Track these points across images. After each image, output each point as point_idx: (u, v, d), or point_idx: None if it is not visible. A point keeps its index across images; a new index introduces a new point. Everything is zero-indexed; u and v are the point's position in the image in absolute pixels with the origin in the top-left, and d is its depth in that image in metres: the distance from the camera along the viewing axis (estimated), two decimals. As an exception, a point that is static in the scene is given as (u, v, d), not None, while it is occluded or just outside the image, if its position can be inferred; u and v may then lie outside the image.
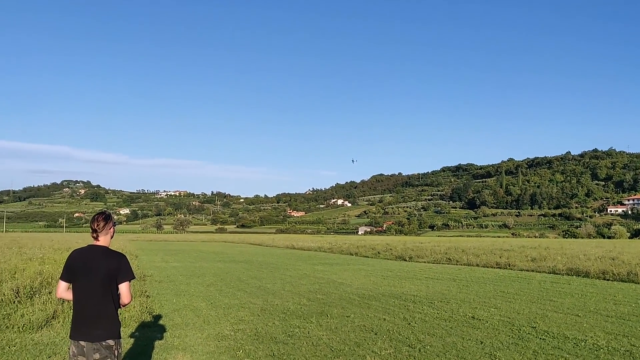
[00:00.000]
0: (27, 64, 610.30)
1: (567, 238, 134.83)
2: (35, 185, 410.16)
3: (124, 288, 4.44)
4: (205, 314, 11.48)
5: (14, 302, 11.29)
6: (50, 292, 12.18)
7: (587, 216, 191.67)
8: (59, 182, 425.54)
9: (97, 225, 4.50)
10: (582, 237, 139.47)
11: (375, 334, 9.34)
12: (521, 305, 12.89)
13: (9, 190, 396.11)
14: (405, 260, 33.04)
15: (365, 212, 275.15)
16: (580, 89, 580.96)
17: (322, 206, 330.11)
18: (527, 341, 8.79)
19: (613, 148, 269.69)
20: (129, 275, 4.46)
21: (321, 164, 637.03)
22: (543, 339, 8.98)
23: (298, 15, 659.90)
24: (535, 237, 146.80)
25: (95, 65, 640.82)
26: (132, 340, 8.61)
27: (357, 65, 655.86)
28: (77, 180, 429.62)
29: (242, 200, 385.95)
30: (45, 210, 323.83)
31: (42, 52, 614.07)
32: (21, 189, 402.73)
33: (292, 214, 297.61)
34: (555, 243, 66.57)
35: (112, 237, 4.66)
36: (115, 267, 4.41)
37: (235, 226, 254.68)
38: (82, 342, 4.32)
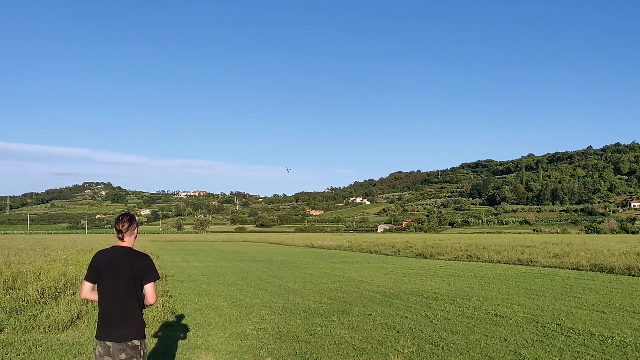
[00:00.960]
0: (47, 68, 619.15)
1: (589, 234, 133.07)
2: (58, 188, 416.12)
3: (149, 288, 4.47)
4: (227, 313, 11.53)
5: (39, 303, 11.45)
6: (74, 293, 12.33)
7: (610, 211, 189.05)
8: (80, 184, 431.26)
9: (122, 226, 4.54)
10: (605, 233, 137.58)
11: (398, 332, 9.29)
12: (545, 302, 12.74)
13: (32, 192, 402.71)
14: (426, 257, 32.87)
15: (384, 210, 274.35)
16: (601, 82, 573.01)
17: (340, 204, 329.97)
18: (552, 338, 8.67)
19: (636, 142, 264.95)
20: (154, 276, 4.49)
21: (339, 162, 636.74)
22: (568, 336, 8.86)
23: (314, 14, 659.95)
24: (557, 233, 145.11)
25: (114, 69, 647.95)
26: (155, 340, 8.68)
27: (374, 63, 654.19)
28: (98, 182, 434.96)
29: (261, 199, 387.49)
30: (67, 212, 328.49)
31: (62, 56, 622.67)
32: (44, 191, 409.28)
33: (311, 212, 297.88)
34: (577, 239, 65.70)
35: (135, 238, 4.70)
36: (140, 267, 4.43)
37: (254, 225, 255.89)
38: (108, 342, 4.35)
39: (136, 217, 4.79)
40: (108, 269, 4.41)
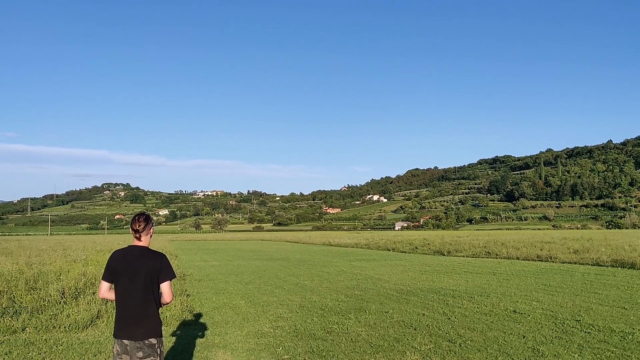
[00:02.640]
0: (66, 71, 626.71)
1: (610, 229, 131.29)
2: (77, 189, 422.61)
3: (165, 287, 4.51)
4: (245, 311, 11.58)
5: (60, 302, 11.60)
6: (94, 293, 12.48)
7: (631, 206, 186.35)
8: (99, 185, 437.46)
9: (139, 226, 4.59)
10: (626, 228, 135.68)
11: (415, 329, 9.27)
12: (564, 299, 12.60)
13: (53, 194, 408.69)
14: (444, 254, 32.70)
15: (401, 207, 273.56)
16: (620, 75, 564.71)
17: (357, 202, 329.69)
18: (572, 335, 8.58)
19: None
20: (170, 275, 4.53)
21: (356, 160, 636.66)
22: (588, 332, 8.76)
23: (329, 11, 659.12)
24: (577, 228, 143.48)
25: (131, 71, 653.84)
26: (173, 339, 8.75)
27: (390, 60, 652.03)
28: (116, 183, 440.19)
29: (277, 198, 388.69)
30: (87, 213, 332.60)
31: (80, 59, 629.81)
32: (64, 192, 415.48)
33: (328, 210, 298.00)
34: (598, 234, 64.86)
35: (151, 237, 4.75)
36: (157, 266, 4.48)
37: (271, 224, 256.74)
38: (125, 341, 4.41)
39: (153, 217, 4.84)
40: (124, 268, 4.46)
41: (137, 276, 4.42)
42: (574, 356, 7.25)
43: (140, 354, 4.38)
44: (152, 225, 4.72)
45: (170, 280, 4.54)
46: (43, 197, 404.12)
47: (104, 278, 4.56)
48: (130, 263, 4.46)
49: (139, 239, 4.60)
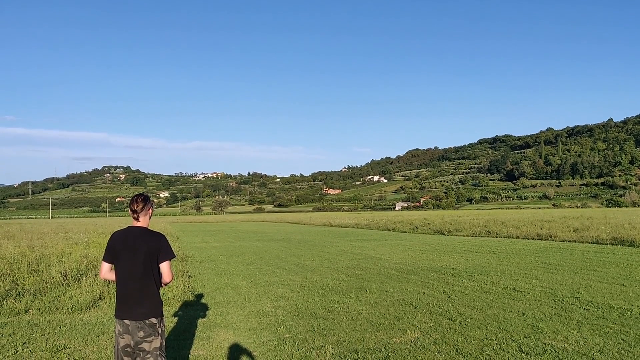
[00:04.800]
0: (63, 54, 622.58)
1: (610, 207, 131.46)
2: (78, 172, 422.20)
3: (164, 267, 4.53)
4: (246, 291, 11.66)
5: (62, 284, 11.67)
6: (96, 275, 12.53)
7: (631, 184, 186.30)
8: (100, 168, 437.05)
9: (137, 207, 4.60)
10: (626, 206, 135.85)
11: (415, 307, 9.33)
12: (564, 276, 12.67)
13: (53, 177, 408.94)
14: (444, 234, 32.81)
15: (401, 187, 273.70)
16: (620, 53, 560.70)
17: (358, 183, 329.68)
18: (571, 312, 8.64)
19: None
20: (169, 255, 4.54)
21: (356, 140, 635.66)
22: (587, 309, 8.82)
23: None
24: (577, 207, 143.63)
25: (129, 53, 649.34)
26: (175, 319, 8.82)
27: (390, 41, 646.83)
28: (117, 166, 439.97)
29: (278, 180, 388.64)
30: (88, 196, 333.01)
31: (78, 43, 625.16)
32: (64, 176, 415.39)
33: (328, 192, 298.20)
34: (598, 213, 64.99)
35: (150, 218, 4.75)
36: (156, 246, 4.49)
37: (272, 206, 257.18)
38: (126, 321, 4.44)
39: (152, 199, 4.85)
40: (124, 248, 4.49)
41: (137, 256, 4.44)
42: (572, 332, 7.31)
43: (141, 334, 4.41)
44: (151, 206, 4.72)
45: (170, 260, 4.55)
46: (44, 180, 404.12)
47: (105, 259, 4.58)
48: (130, 243, 4.48)
49: (137, 219, 4.61)
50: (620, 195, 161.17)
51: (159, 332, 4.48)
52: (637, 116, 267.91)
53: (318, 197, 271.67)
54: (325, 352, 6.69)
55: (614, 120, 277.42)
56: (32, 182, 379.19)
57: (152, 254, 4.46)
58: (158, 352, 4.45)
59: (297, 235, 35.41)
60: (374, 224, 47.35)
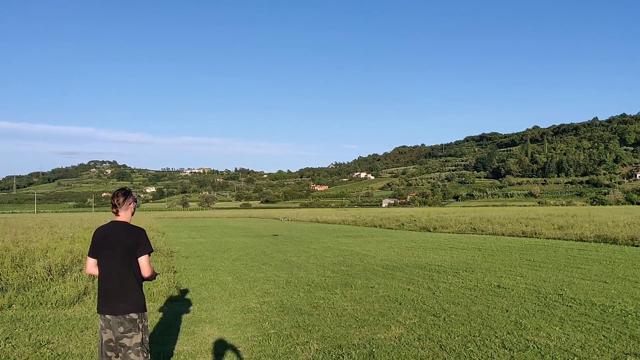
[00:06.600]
0: (49, 48, 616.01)
1: (595, 205, 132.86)
2: (64, 167, 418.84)
3: (142, 261, 4.50)
4: (232, 287, 11.64)
5: (47, 279, 11.59)
6: (81, 270, 12.47)
7: (615, 182, 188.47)
8: (86, 162, 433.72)
9: (117, 201, 4.58)
10: (610, 204, 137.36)
11: (400, 303, 9.38)
12: (547, 273, 12.80)
13: (39, 172, 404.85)
14: (430, 231, 32.97)
15: (388, 184, 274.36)
16: (606, 53, 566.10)
17: (345, 180, 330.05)
18: (554, 308, 8.74)
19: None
20: (147, 249, 4.51)
21: (343, 137, 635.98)
22: (570, 306, 8.92)
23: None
24: (563, 205, 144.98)
25: (116, 47, 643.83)
26: (160, 314, 8.79)
27: (377, 38, 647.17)
28: (103, 161, 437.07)
29: (265, 176, 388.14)
30: (73, 190, 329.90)
31: (64, 36, 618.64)
32: (50, 170, 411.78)
33: (316, 188, 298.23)
34: (582, 210, 65.64)
35: (133, 214, 4.73)
36: (134, 241, 4.47)
37: (259, 202, 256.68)
38: (108, 316, 4.43)
39: (139, 194, 4.83)
40: (105, 243, 4.48)
41: (116, 251, 4.43)
42: (555, 329, 7.40)
43: (121, 329, 4.39)
44: (133, 201, 4.70)
45: (148, 255, 4.53)
46: (29, 174, 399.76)
47: (89, 254, 4.58)
48: (110, 238, 4.48)
49: (116, 213, 4.60)
50: (605, 194, 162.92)
51: (140, 327, 4.46)
52: (621, 115, 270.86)
53: (305, 194, 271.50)
54: (309, 348, 6.71)
55: (599, 119, 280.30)
56: (16, 177, 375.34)
57: (131, 248, 4.45)
58: (139, 348, 4.42)
59: (284, 232, 35.40)
60: (361, 220, 47.47)
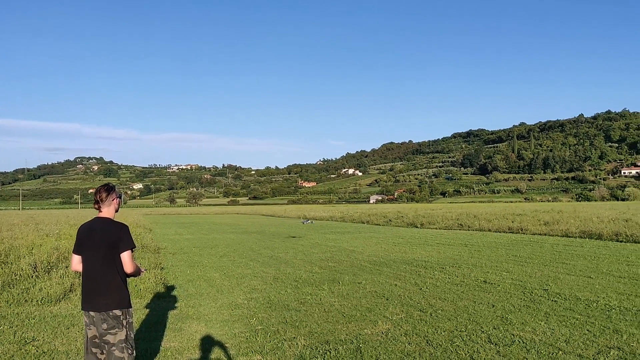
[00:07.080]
0: (36, 44, 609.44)
1: (580, 201, 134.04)
2: (50, 163, 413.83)
3: (125, 257, 4.47)
4: (219, 284, 11.62)
5: (32, 276, 11.48)
6: (67, 267, 12.37)
7: (600, 179, 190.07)
8: (72, 159, 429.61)
9: (100, 197, 4.56)
10: (595, 200, 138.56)
11: (387, 299, 9.42)
12: (533, 269, 12.91)
13: (24, 168, 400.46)
14: (417, 227, 33.11)
15: (376, 180, 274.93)
16: (592, 50, 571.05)
17: (333, 176, 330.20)
18: (539, 303, 8.82)
19: (627, 109, 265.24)
20: (129, 245, 4.49)
21: (331, 134, 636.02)
22: (555, 300, 9.01)
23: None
24: (549, 201, 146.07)
25: (101, 43, 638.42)
26: (147, 311, 8.76)
27: (366, 35, 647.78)
28: (90, 157, 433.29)
29: (253, 172, 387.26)
30: (60, 187, 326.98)
31: (51, 32, 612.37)
32: (36, 167, 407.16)
33: (304, 184, 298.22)
34: (568, 206, 66.19)
35: (117, 210, 4.70)
36: (117, 237, 4.45)
37: (247, 198, 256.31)
38: (91, 312, 4.40)
39: (125, 191, 4.80)
40: (88, 240, 4.45)
41: (99, 247, 4.41)
42: (540, 324, 7.47)
43: (104, 326, 4.37)
44: (117, 197, 4.66)
45: (131, 250, 4.50)
46: (14, 171, 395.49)
47: (74, 251, 4.56)
48: (93, 235, 4.45)
49: (99, 209, 4.57)
50: (590, 190, 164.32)
51: (124, 324, 4.43)
52: (606, 112, 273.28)
53: (293, 190, 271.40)
54: (297, 344, 6.72)
55: (585, 116, 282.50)
56: (1, 173, 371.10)
57: (113, 244, 4.42)
58: (123, 345, 4.40)
59: (272, 228, 35.39)
60: (348, 216, 47.56)
